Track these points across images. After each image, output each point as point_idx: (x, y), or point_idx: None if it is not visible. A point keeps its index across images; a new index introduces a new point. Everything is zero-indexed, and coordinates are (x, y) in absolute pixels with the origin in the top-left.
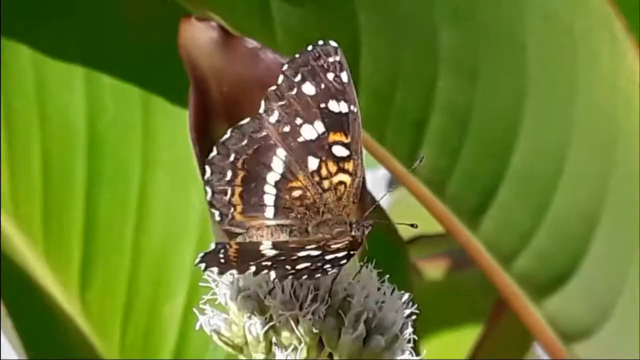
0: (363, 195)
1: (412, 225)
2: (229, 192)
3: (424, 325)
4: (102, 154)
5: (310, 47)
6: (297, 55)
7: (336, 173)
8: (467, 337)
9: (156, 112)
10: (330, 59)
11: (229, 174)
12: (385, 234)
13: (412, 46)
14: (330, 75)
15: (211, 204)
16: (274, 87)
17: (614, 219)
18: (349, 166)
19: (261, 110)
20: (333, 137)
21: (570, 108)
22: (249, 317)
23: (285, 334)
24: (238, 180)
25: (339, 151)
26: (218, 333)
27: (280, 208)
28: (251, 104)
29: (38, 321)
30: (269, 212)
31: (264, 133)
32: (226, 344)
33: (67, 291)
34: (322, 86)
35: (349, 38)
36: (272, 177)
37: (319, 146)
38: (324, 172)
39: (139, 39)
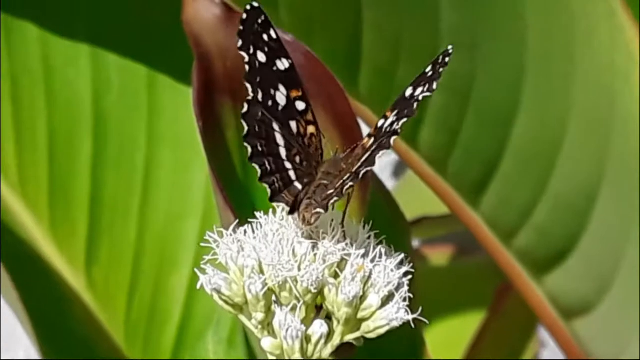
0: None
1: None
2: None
3: (428, 311)
4: (107, 131)
5: (245, 15)
6: (240, 27)
7: (306, 127)
8: (471, 323)
9: (161, 89)
10: (260, 20)
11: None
12: (387, 208)
13: (414, 21)
14: (265, 37)
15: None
16: (246, 69)
17: (613, 194)
18: (310, 116)
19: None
20: (292, 94)
21: (569, 83)
22: (249, 277)
23: (284, 293)
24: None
25: (300, 106)
26: (218, 292)
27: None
28: None
29: (44, 295)
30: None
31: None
32: (227, 303)
33: (73, 266)
34: (267, 49)
35: (351, 13)
36: (282, 152)
37: (291, 109)
38: (302, 130)
39: (144, 16)
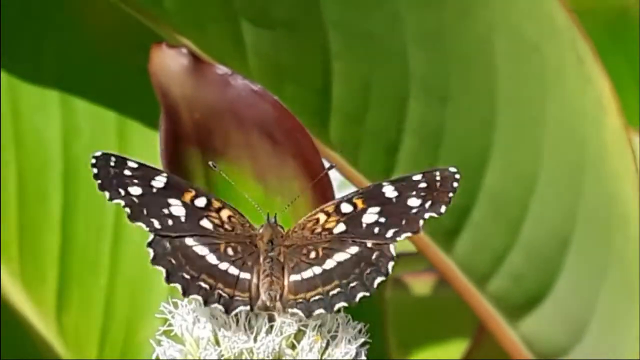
0: None
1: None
2: None
3: (411, 340)
4: (77, 178)
5: (96, 169)
6: (98, 181)
7: (219, 214)
8: (454, 352)
9: (131, 135)
10: (112, 163)
11: None
12: None
13: (383, 69)
14: (127, 172)
15: None
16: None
17: (585, 238)
18: (217, 204)
19: None
20: (186, 198)
21: (540, 129)
22: (204, 348)
23: None
24: None
25: (200, 202)
26: None
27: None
28: (222, 130)
29: (13, 344)
30: None
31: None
32: None
33: (43, 314)
34: (136, 181)
35: (320, 62)
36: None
37: (194, 212)
38: (217, 221)
39: (114, 63)
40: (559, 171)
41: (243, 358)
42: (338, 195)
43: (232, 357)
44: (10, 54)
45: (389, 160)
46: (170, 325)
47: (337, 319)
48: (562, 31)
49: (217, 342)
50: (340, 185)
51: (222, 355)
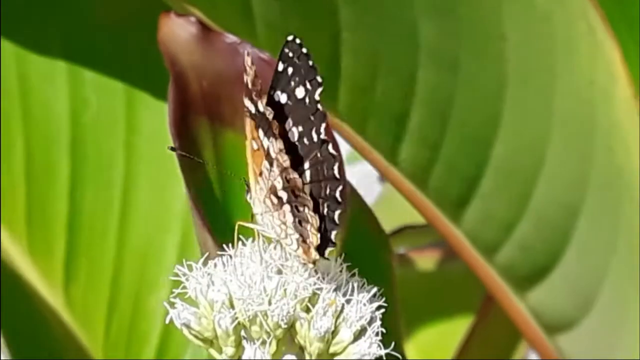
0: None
1: None
2: None
3: (416, 316)
4: (85, 149)
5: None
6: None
7: None
8: (459, 327)
9: (139, 106)
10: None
11: None
12: (367, 225)
13: (393, 40)
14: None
15: None
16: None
17: (595, 209)
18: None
19: None
20: None
21: (549, 99)
22: (219, 311)
23: (254, 327)
24: None
25: None
26: (188, 327)
27: None
28: (231, 99)
29: (21, 315)
30: None
31: None
32: (196, 337)
33: (50, 285)
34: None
35: (329, 32)
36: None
37: None
38: None
39: (122, 33)
40: (569, 141)
41: (257, 321)
42: (346, 167)
43: (247, 320)
44: (16, 25)
45: (398, 130)
46: (184, 288)
47: (352, 283)
48: (572, 0)
49: (232, 305)
50: (350, 157)
51: (236, 318)
